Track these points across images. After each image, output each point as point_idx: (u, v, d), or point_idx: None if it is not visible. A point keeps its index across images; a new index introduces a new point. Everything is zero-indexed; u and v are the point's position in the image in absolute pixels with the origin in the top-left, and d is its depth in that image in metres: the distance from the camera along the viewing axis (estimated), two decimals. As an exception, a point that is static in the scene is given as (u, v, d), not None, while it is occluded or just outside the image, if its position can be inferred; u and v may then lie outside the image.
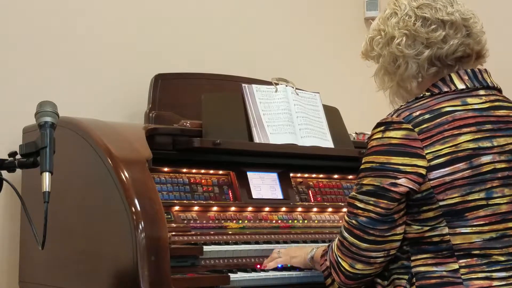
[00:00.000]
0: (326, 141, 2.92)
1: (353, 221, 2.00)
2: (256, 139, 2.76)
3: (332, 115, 3.05)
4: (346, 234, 2.02)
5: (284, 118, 2.84)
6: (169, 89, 3.00)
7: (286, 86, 2.94)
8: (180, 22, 3.37)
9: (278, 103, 2.87)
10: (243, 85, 2.87)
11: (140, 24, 3.25)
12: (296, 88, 2.97)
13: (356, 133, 3.31)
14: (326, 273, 2.12)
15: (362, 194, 1.99)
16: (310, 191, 2.92)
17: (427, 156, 1.93)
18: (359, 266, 2.01)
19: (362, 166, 2.03)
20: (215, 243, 2.47)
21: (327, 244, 2.22)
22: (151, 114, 2.91)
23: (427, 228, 1.97)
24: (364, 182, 2.00)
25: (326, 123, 2.98)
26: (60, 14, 3.06)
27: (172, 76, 3.05)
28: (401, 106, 2.05)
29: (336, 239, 2.07)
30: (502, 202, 1.95)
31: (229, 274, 2.28)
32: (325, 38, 3.87)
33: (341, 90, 3.79)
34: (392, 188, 1.95)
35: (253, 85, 2.88)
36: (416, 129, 1.95)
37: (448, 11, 2.06)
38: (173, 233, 2.41)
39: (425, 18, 2.06)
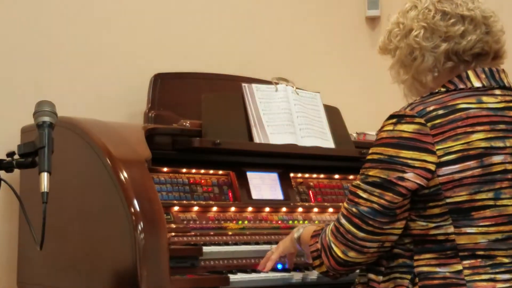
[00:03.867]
0: (326, 141, 2.91)
1: (353, 209, 1.99)
2: (256, 139, 2.75)
3: (333, 115, 3.05)
4: (343, 221, 2.01)
5: (284, 118, 2.83)
6: (168, 89, 3.00)
7: (286, 86, 2.94)
8: (180, 22, 3.36)
9: (278, 103, 2.87)
10: (243, 85, 2.86)
11: (140, 23, 3.25)
12: (296, 88, 2.97)
13: (356, 133, 3.31)
14: (315, 254, 2.11)
15: (367, 184, 1.98)
16: (310, 191, 2.91)
17: (437, 152, 1.92)
18: (351, 254, 2.00)
19: (369, 157, 2.02)
20: (214, 244, 2.46)
21: (313, 225, 2.24)
22: (150, 114, 2.90)
23: (432, 225, 1.96)
24: (370, 173, 1.99)
25: (327, 123, 2.97)
26: (60, 14, 3.05)
27: (172, 75, 3.05)
28: (415, 100, 2.05)
29: (332, 224, 2.06)
30: (509, 203, 1.94)
31: (228, 275, 2.28)
32: (326, 38, 3.87)
33: (342, 90, 3.78)
34: (399, 182, 1.94)
35: (253, 85, 2.88)
36: (429, 124, 1.94)
37: (469, 7, 2.05)
38: (173, 233, 2.41)
39: (445, 12, 2.05)
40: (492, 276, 1.92)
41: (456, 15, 2.04)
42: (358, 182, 2.02)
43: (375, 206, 1.96)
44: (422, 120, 1.95)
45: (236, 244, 2.52)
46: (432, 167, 1.92)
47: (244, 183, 2.73)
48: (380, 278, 2.05)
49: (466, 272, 1.92)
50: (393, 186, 1.95)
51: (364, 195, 1.98)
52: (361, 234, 1.98)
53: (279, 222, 2.74)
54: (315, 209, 2.86)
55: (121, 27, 3.20)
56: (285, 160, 2.88)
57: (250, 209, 2.70)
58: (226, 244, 2.49)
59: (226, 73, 3.19)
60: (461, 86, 2.03)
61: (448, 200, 1.93)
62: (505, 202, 1.94)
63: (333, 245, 2.03)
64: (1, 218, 2.87)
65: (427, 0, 2.09)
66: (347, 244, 2.00)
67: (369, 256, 2.02)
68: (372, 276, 2.07)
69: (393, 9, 3.96)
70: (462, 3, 2.06)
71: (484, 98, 2.00)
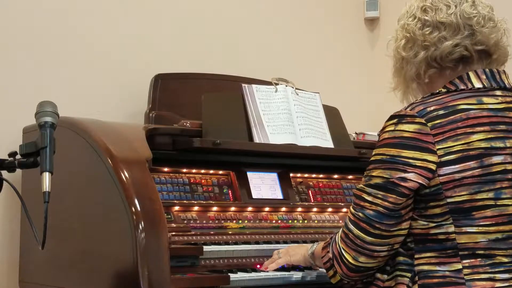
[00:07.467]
0: (326, 141, 2.92)
1: (360, 214, 1.99)
2: (256, 139, 2.76)
3: (332, 115, 3.05)
4: (351, 227, 2.01)
5: (284, 118, 2.84)
6: (169, 89, 3.00)
7: (286, 86, 2.94)
8: (180, 22, 3.37)
9: (278, 103, 2.87)
10: (243, 85, 2.87)
11: (140, 24, 3.26)
12: (296, 88, 2.97)
13: (356, 133, 3.32)
14: (328, 265, 2.11)
15: (371, 187, 1.99)
16: (310, 191, 2.92)
17: (438, 152, 1.93)
18: (362, 259, 2.01)
19: (372, 158, 2.03)
20: (215, 243, 2.47)
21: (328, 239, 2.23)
22: (151, 114, 2.91)
23: (433, 224, 1.97)
24: (373, 174, 2.00)
25: (326, 123, 2.98)
26: (60, 14, 3.06)
27: (172, 76, 3.05)
28: (416, 100, 2.06)
29: (340, 231, 2.07)
30: (510, 203, 1.95)
31: (229, 274, 2.28)
32: (325, 38, 3.88)
33: (341, 90, 3.79)
34: (402, 183, 1.94)
35: (253, 85, 2.88)
36: (429, 124, 1.95)
37: (449, 11, 2.06)
38: (173, 233, 2.41)
39: (425, 20, 2.07)
40: (492, 275, 1.93)
41: (434, 23, 2.06)
42: (362, 185, 2.03)
43: (380, 209, 1.96)
44: (422, 120, 1.96)
45: (236, 243, 2.52)
46: (433, 166, 1.93)
47: (244, 183, 2.74)
48: (385, 276, 2.06)
49: (466, 271, 1.93)
50: (395, 187, 1.95)
51: (369, 198, 1.99)
52: (369, 239, 1.98)
53: (279, 221, 2.75)
54: (315, 209, 2.87)
55: (121, 28, 3.20)
56: (285, 160, 2.88)
57: (250, 208, 2.71)
58: (226, 243, 2.50)
59: (226, 73, 3.19)
60: (462, 86, 2.04)
61: (449, 200, 1.93)
62: (505, 202, 1.95)
63: (343, 252, 2.03)
64: (3, 218, 2.87)
65: (414, 8, 2.12)
66: (357, 250, 2.01)
67: (380, 260, 2.02)
68: (378, 275, 2.07)
69: (391, 11, 3.99)
70: (444, 7, 2.07)
71: (485, 99, 2.01)
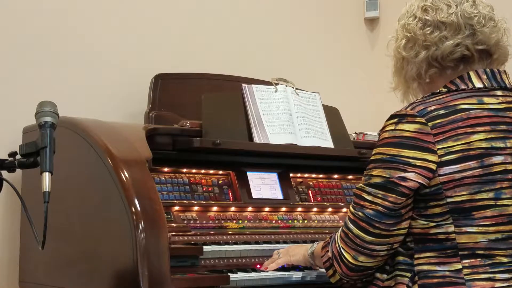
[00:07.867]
0: (326, 141, 2.92)
1: (360, 213, 1.99)
2: (256, 139, 2.76)
3: (332, 115, 3.05)
4: (351, 226, 2.01)
5: (284, 118, 2.84)
6: (169, 89, 3.00)
7: (286, 86, 2.94)
8: (180, 22, 3.37)
9: (278, 103, 2.87)
10: (243, 85, 2.87)
11: (140, 24, 3.26)
12: (296, 88, 2.97)
13: (356, 133, 3.32)
14: (327, 264, 2.11)
15: (371, 187, 1.99)
16: (310, 191, 2.92)
17: (438, 152, 1.93)
18: (362, 258, 2.01)
19: (372, 157, 2.03)
20: (215, 243, 2.47)
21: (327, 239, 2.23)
22: (151, 114, 2.91)
23: (433, 224, 1.97)
24: (373, 173, 2.00)
25: (326, 123, 2.98)
26: (60, 14, 3.06)
27: (172, 76, 3.05)
28: (417, 99, 2.06)
29: (340, 230, 2.07)
30: (510, 203, 1.95)
31: (229, 274, 2.28)
32: (325, 38, 3.88)
33: (341, 90, 3.79)
34: (402, 183, 1.95)
35: (253, 85, 2.88)
36: (430, 124, 1.95)
37: (450, 11, 2.06)
38: (173, 233, 2.41)
39: (426, 20, 2.07)
40: (491, 275, 1.93)
41: (435, 23, 2.06)
42: (362, 184, 2.03)
43: (380, 208, 1.96)
44: (423, 120, 1.96)
45: (236, 243, 2.52)
46: (433, 166, 1.93)
47: (244, 183, 2.74)
48: (385, 276, 2.06)
49: (466, 271, 1.93)
50: (395, 187, 1.95)
51: (369, 198, 1.99)
52: (369, 238, 1.98)
53: (279, 221, 2.75)
54: (315, 209, 2.87)
55: (121, 28, 3.20)
56: (285, 160, 2.88)
57: (250, 208, 2.71)
58: (226, 243, 2.50)
59: (226, 73, 3.19)
60: (463, 86, 2.04)
61: (449, 200, 1.94)
62: (505, 202, 1.95)
63: (343, 251, 2.04)
64: (3, 218, 2.87)
65: (414, 7, 2.12)
66: (357, 249, 2.01)
67: (380, 259, 2.02)
68: (377, 274, 2.07)
69: (391, 11, 3.99)
70: (444, 7, 2.07)
71: (485, 99, 2.01)
